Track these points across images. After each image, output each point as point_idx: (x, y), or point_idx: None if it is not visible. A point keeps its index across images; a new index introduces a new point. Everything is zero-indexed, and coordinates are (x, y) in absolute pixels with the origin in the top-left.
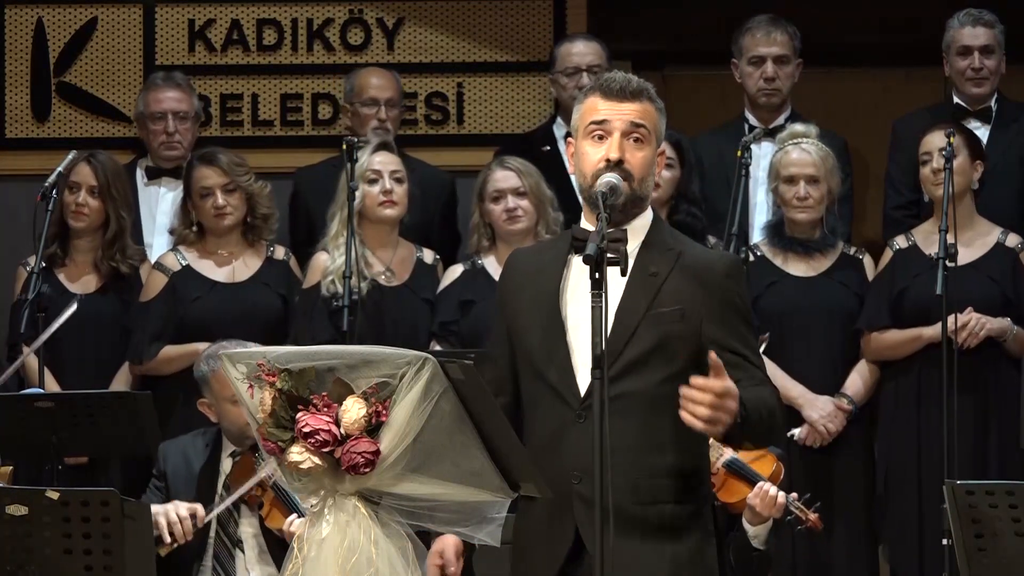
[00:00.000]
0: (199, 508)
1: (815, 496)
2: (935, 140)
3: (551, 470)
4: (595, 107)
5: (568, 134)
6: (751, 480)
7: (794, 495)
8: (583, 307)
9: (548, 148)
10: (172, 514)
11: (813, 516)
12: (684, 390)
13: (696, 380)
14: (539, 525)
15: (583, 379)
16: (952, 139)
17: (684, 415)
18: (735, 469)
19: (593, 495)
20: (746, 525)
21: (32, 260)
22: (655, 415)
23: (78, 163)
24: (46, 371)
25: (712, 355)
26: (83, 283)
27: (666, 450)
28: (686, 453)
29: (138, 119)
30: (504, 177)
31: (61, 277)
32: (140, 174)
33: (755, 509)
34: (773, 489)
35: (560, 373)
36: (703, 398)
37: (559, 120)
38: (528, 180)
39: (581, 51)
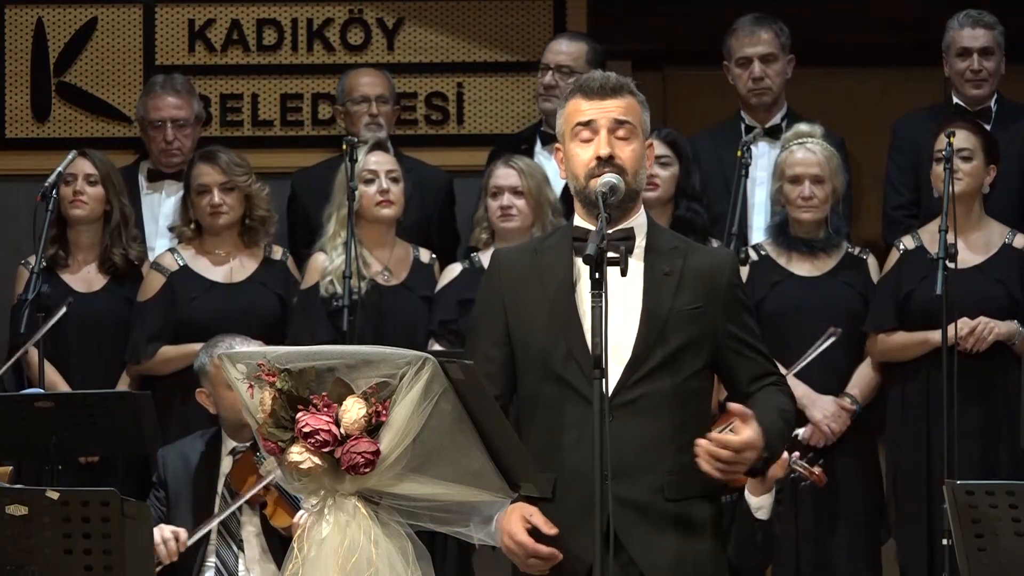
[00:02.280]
0: (182, 532)
1: (817, 497)
2: (958, 139)
3: (578, 470)
4: (578, 108)
5: (542, 131)
6: None
7: (796, 454)
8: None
9: (525, 147)
10: (155, 536)
11: (817, 471)
12: (703, 445)
13: (715, 436)
14: (569, 521)
15: (608, 380)
16: (952, 139)
17: (702, 464)
18: None
19: (622, 493)
20: (748, 497)
21: (33, 260)
22: (680, 413)
23: (69, 162)
24: (53, 370)
25: (736, 406)
26: (86, 282)
27: (691, 447)
28: None
29: (139, 122)
30: (505, 175)
31: (64, 277)
32: (142, 178)
33: None
34: None
35: (585, 375)
36: (723, 454)
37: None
38: (529, 181)
39: (559, 49)
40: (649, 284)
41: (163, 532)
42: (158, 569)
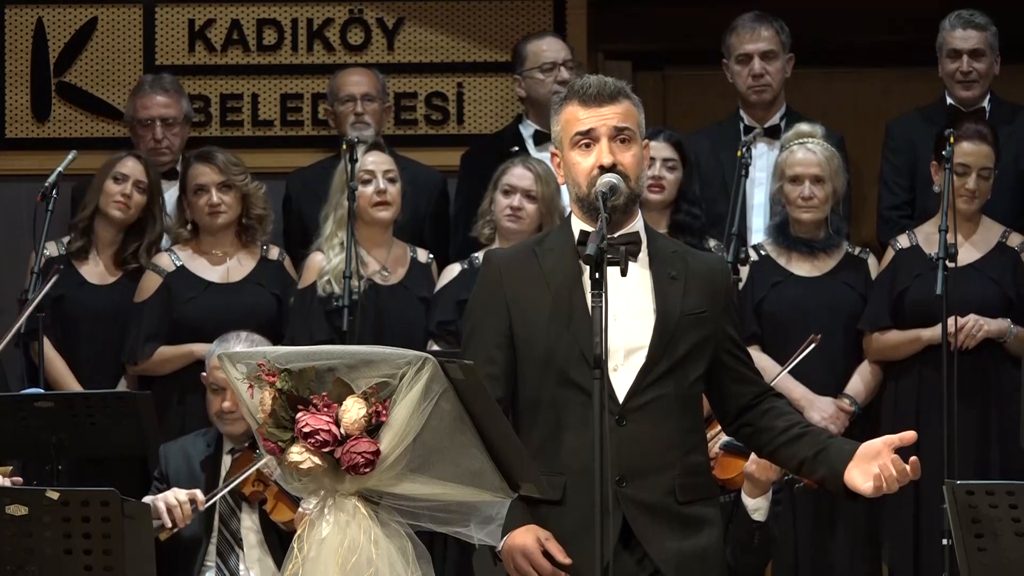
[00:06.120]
0: (198, 493)
1: (816, 497)
2: (978, 156)
3: (587, 471)
4: (576, 116)
5: (537, 132)
6: (746, 454)
7: None
8: (612, 312)
9: (516, 148)
10: (171, 499)
11: None
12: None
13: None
14: (580, 523)
15: (620, 384)
16: (952, 140)
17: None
18: (732, 448)
19: (635, 495)
20: (745, 499)
21: (32, 259)
22: (687, 415)
23: (121, 159)
24: (62, 362)
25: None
26: (99, 275)
27: (696, 449)
28: (705, 451)
29: (128, 121)
30: (521, 175)
31: (82, 270)
32: None
33: (754, 476)
34: None
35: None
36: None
37: (525, 120)
38: (544, 188)
39: (554, 47)
40: (659, 287)
41: (177, 495)
42: (174, 530)
